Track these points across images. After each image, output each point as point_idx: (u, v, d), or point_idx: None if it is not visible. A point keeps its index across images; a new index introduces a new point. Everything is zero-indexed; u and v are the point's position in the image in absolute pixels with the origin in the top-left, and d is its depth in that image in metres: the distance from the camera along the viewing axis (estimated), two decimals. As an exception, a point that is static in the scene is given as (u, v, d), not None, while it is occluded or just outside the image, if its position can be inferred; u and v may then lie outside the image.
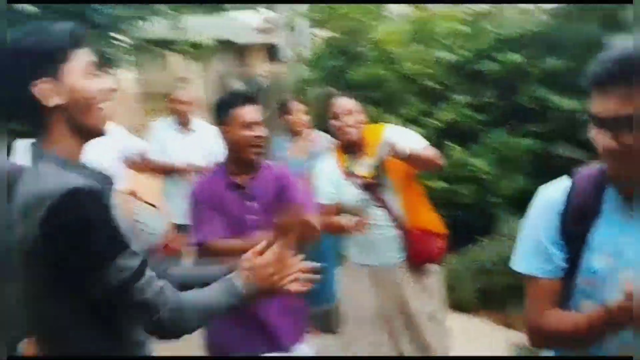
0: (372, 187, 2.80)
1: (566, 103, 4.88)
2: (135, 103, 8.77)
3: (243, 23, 9.01)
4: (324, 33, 6.45)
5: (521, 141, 5.04)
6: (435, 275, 3.02)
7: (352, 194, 2.87)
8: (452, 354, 3.28)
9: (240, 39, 8.66)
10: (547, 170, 4.98)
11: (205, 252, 2.37)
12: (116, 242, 1.25)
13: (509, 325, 4.30)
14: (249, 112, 2.40)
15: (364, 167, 2.80)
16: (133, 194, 2.59)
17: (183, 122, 4.36)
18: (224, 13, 7.50)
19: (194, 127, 4.41)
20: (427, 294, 2.95)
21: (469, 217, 5.11)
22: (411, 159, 2.66)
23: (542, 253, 1.41)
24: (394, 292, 2.92)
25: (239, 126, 2.38)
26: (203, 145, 4.24)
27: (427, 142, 2.87)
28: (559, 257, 1.40)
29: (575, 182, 1.42)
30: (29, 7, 3.28)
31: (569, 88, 5.07)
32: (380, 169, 2.70)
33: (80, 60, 1.32)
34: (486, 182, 5.01)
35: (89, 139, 1.36)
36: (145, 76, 7.85)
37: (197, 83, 7.69)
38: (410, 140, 2.80)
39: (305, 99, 6.23)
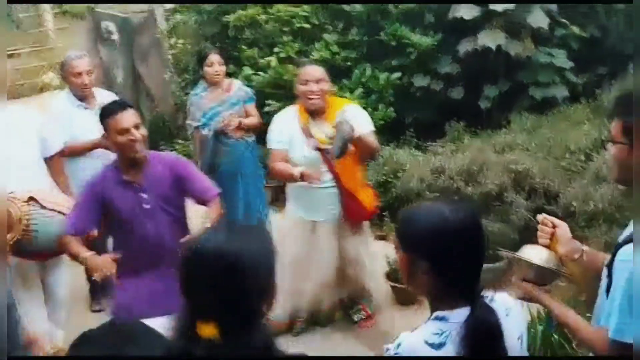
0: (323, 151, 3.15)
1: (422, 40, 5.56)
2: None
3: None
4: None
5: (384, 75, 5.67)
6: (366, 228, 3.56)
7: (303, 150, 3.24)
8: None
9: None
10: (407, 100, 5.74)
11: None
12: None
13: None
14: (124, 119, 2.65)
15: (321, 131, 3.15)
16: (32, 199, 2.83)
17: (85, 96, 3.84)
18: None
19: (98, 99, 3.82)
20: (361, 243, 3.47)
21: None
22: (358, 141, 3.06)
23: None
24: (333, 243, 3.37)
25: (116, 133, 2.65)
26: None
27: (373, 128, 3.30)
28: None
29: None
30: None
31: (423, 26, 5.76)
32: (345, 146, 2.96)
33: None
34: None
35: None
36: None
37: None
38: (361, 122, 3.18)
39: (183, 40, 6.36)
